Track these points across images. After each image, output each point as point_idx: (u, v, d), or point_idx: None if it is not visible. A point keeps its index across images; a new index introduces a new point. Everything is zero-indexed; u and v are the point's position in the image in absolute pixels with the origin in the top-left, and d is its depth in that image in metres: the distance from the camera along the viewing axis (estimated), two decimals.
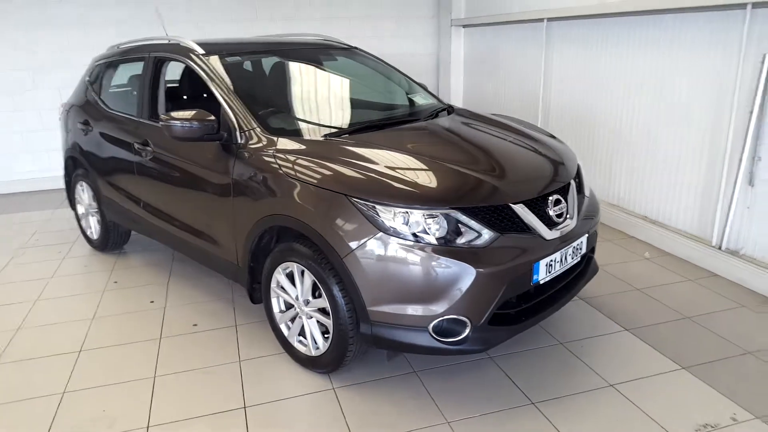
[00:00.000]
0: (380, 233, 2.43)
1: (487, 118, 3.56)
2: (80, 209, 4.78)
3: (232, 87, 3.18)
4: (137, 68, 4.27)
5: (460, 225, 2.45)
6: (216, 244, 3.25)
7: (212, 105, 3.12)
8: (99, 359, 3.10)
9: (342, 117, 3.50)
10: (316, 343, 2.83)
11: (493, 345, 2.56)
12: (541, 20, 5.79)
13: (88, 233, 4.72)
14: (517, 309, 2.65)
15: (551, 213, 2.69)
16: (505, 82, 6.74)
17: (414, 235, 2.42)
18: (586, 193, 3.12)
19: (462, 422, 2.49)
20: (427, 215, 2.43)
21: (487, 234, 2.46)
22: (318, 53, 3.90)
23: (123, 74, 4.34)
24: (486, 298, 2.45)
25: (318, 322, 2.81)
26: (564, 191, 2.83)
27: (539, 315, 2.71)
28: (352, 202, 2.49)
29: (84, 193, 4.60)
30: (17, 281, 4.17)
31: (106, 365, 3.03)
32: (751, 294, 3.58)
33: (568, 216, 2.78)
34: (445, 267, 2.39)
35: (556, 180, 2.83)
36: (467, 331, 2.46)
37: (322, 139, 2.96)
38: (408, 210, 2.44)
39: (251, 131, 3.01)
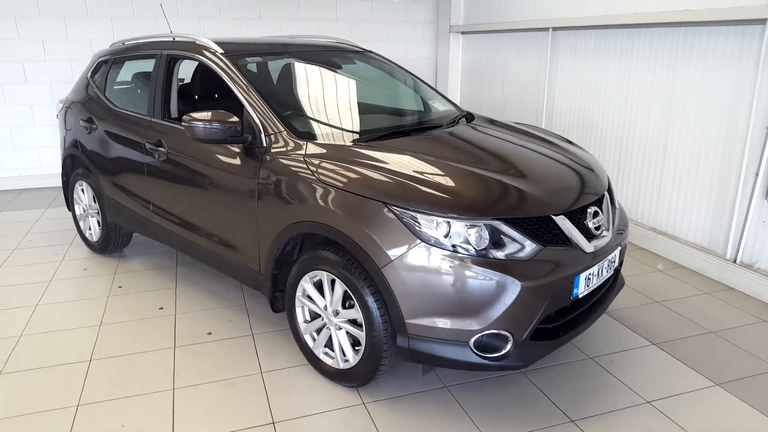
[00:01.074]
0: (421, 243, 2.35)
1: (513, 127, 3.50)
2: (78, 210, 4.60)
3: (256, 89, 3.07)
4: (144, 65, 4.14)
5: (502, 236, 2.38)
6: (236, 250, 3.13)
7: (227, 105, 3.01)
8: (112, 369, 2.95)
9: (367, 122, 3.41)
10: (345, 355, 2.74)
11: (534, 361, 2.49)
12: (546, 29, 5.79)
13: (87, 235, 4.54)
14: (555, 324, 2.59)
15: (590, 225, 2.64)
16: (505, 90, 6.72)
17: (456, 245, 2.34)
18: (616, 205, 3.08)
19: None
20: (470, 225, 2.36)
21: (530, 246, 2.40)
22: (336, 56, 3.80)
23: (130, 71, 4.19)
24: (529, 312, 2.38)
25: (348, 333, 2.71)
26: (599, 203, 2.79)
27: (576, 330, 2.65)
28: (392, 210, 2.40)
29: (84, 194, 4.43)
30: (13, 284, 3.98)
31: (120, 376, 2.89)
32: None
33: (604, 228, 2.73)
34: (489, 280, 2.31)
35: (594, 192, 2.78)
36: (509, 346, 2.39)
37: (352, 144, 2.87)
38: (450, 220, 2.36)
39: (278, 135, 2.90)
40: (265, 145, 2.91)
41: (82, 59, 6.39)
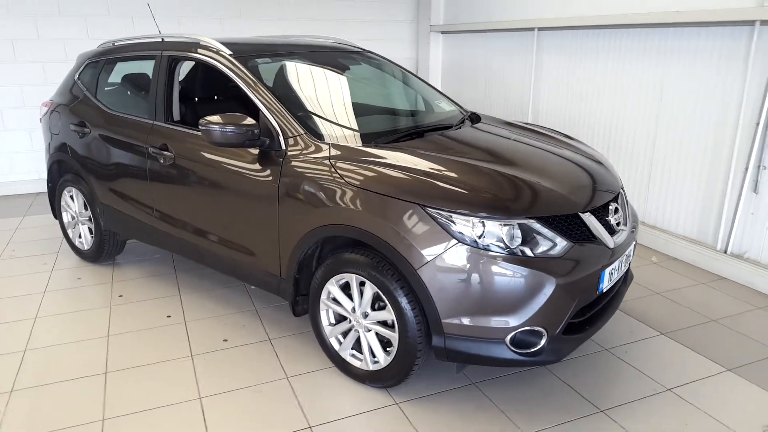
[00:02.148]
0: (457, 243, 2.37)
1: (523, 126, 3.56)
2: (66, 217, 4.44)
3: (271, 91, 3.03)
4: (137, 67, 4.04)
5: (535, 235, 2.43)
6: (254, 255, 3.08)
7: (236, 107, 2.95)
8: (131, 381, 2.87)
9: (381, 123, 3.41)
10: (374, 357, 2.74)
11: (565, 355, 2.55)
12: (532, 29, 5.90)
13: (77, 243, 4.39)
14: (582, 318, 2.65)
15: (612, 221, 2.72)
16: (488, 89, 6.81)
17: (491, 245, 2.37)
18: (628, 202, 3.18)
19: None
20: (504, 225, 2.39)
21: (561, 243, 2.45)
22: (341, 57, 3.79)
23: (124, 73, 4.07)
24: (562, 307, 2.44)
25: (377, 334, 2.71)
26: (617, 200, 2.87)
27: (600, 323, 2.73)
28: (427, 211, 2.42)
29: (73, 201, 4.28)
30: (5, 297, 3.82)
31: (141, 387, 2.81)
32: (762, 296, 3.76)
33: (622, 224, 2.82)
34: (525, 278, 2.36)
35: (612, 189, 2.87)
36: (543, 341, 2.44)
37: (375, 146, 2.87)
38: (484, 220, 2.39)
39: (298, 137, 2.88)
40: (284, 148, 2.88)
41: (55, 60, 6.16)
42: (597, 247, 2.58)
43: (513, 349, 2.43)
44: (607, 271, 2.62)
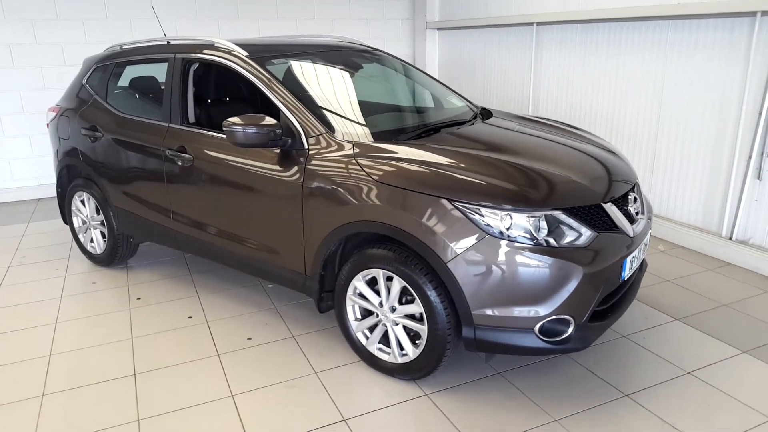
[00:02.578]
0: (486, 236, 2.43)
1: (536, 120, 3.63)
2: (77, 222, 4.44)
3: (291, 91, 3.06)
4: (147, 70, 4.06)
5: (561, 226, 2.49)
6: (277, 254, 3.12)
7: (254, 108, 2.95)
8: (160, 381, 2.90)
9: (398, 120, 3.45)
10: (402, 350, 2.79)
11: (591, 343, 2.62)
12: (530, 24, 5.97)
13: (89, 248, 4.39)
14: (605, 306, 2.72)
15: (632, 210, 2.79)
16: (486, 85, 6.88)
17: (520, 236, 2.43)
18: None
19: (570, 419, 2.53)
20: (531, 216, 2.45)
21: (586, 233, 2.52)
22: (353, 56, 3.82)
23: (134, 76, 4.07)
24: (589, 296, 2.50)
25: (404, 328, 2.76)
26: (633, 190, 2.94)
27: (621, 310, 2.80)
28: (456, 205, 2.47)
29: (85, 205, 4.28)
30: (22, 303, 3.82)
31: (172, 387, 2.84)
32: None
33: (640, 213, 2.89)
34: (553, 268, 2.42)
35: (630, 179, 2.94)
36: (570, 330, 2.51)
37: (397, 143, 2.91)
38: (512, 212, 2.45)
39: (320, 137, 2.92)
40: (306, 147, 2.92)
41: (52, 65, 6.14)
42: (618, 236, 2.65)
43: (542, 337, 2.49)
44: (629, 259, 2.69)
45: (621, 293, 2.84)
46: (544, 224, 2.47)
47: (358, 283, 2.85)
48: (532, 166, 2.73)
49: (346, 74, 3.59)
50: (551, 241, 2.45)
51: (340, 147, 2.86)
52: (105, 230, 4.19)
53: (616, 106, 5.07)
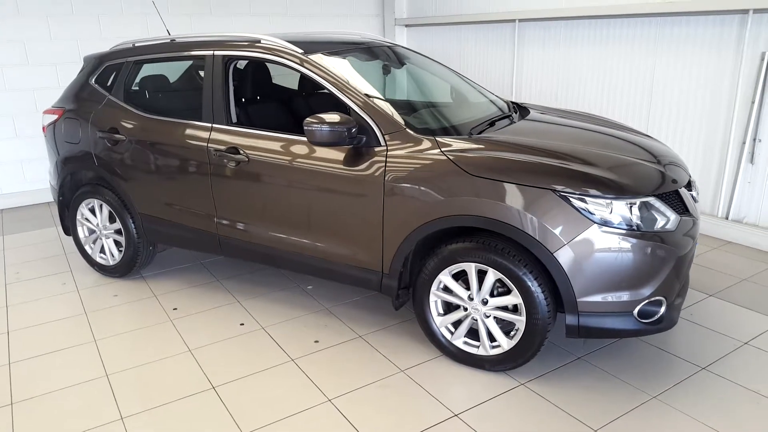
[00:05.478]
0: (592, 225, 2.52)
1: (582, 114, 3.76)
2: (83, 232, 4.12)
3: (362, 88, 3.02)
4: (161, 69, 3.85)
5: (654, 212, 2.63)
6: (351, 253, 3.06)
7: (304, 107, 2.84)
8: (246, 392, 2.77)
9: (462, 114, 3.43)
10: (493, 342, 2.84)
11: (676, 322, 2.77)
12: (512, 21, 6.16)
13: (99, 258, 4.09)
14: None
15: (694, 195, 2.99)
16: None
17: (621, 223, 2.54)
18: None
19: (666, 394, 2.68)
20: (629, 204, 2.57)
21: (673, 218, 2.67)
22: (392, 52, 3.80)
23: (155, 73, 3.84)
24: (677, 276, 2.67)
25: (495, 319, 2.81)
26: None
27: (687, 287, 2.99)
28: (560, 195, 2.54)
29: (96, 213, 3.99)
30: (46, 322, 3.50)
31: (263, 397, 2.73)
32: None
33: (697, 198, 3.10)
34: (653, 251, 2.56)
35: (686, 167, 3.14)
36: (662, 310, 2.65)
37: (481, 136, 2.94)
38: (613, 200, 2.55)
39: (398, 133, 2.89)
40: (384, 144, 2.89)
41: (66, 62, 5.73)
42: (690, 219, 2.83)
43: (639, 319, 2.62)
44: (695, 239, 2.88)
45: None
46: (642, 210, 2.59)
47: (445, 278, 2.86)
48: (613, 154, 2.85)
49: (393, 70, 3.57)
50: (647, 226, 2.58)
51: (420, 142, 2.86)
52: (121, 239, 3.92)
53: (605, 104, 5.34)
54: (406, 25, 7.77)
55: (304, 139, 3.04)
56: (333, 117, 2.80)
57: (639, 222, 2.56)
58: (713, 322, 3.31)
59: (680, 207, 2.78)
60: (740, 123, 4.43)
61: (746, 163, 4.45)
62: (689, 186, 2.98)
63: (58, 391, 2.83)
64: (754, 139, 4.39)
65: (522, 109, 3.68)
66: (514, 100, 3.98)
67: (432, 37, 7.41)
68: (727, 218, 4.62)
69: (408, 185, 2.80)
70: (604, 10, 5.07)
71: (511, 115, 3.45)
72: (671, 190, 2.75)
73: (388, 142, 2.88)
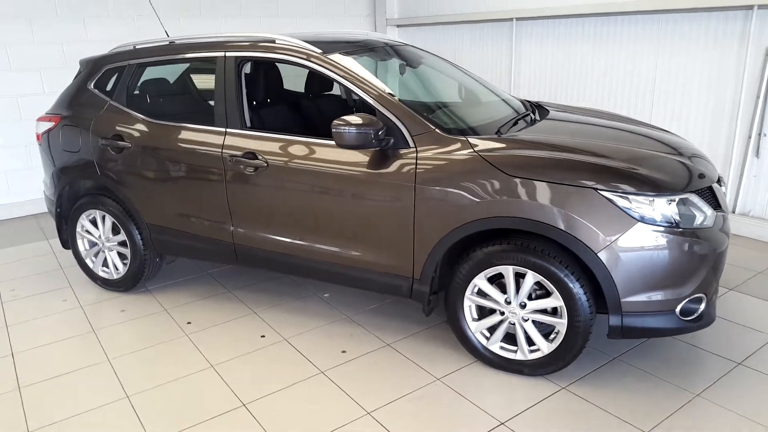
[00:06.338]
0: (636, 223, 2.47)
1: (603, 112, 3.72)
2: (84, 245, 3.94)
3: (385, 88, 2.92)
4: (166, 71, 3.70)
5: (693, 208, 2.59)
6: (381, 260, 2.96)
7: (325, 109, 2.75)
8: (279, 408, 2.65)
9: (483, 114, 3.34)
10: (531, 345, 2.77)
11: (714, 318, 2.74)
12: (509, 20, 6.13)
13: (101, 272, 3.91)
14: None
15: (724, 190, 2.97)
16: None
17: (662, 221, 2.50)
18: None
19: (708, 391, 2.65)
20: (670, 201, 2.53)
21: (711, 214, 2.64)
22: (407, 52, 3.71)
23: (159, 77, 3.68)
24: (715, 272, 2.64)
25: (534, 323, 2.74)
26: None
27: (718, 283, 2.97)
28: (603, 194, 2.48)
29: (97, 225, 3.81)
30: (55, 342, 3.32)
31: (297, 412, 2.61)
32: None
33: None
34: (694, 248, 2.52)
35: (714, 165, 3.12)
36: (702, 307, 2.62)
37: (511, 135, 2.87)
38: (654, 197, 2.51)
39: (427, 134, 2.81)
40: (413, 145, 2.80)
41: (52, 67, 5.51)
42: (722, 214, 2.81)
43: (681, 317, 2.58)
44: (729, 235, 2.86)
45: None
46: (682, 207, 2.55)
47: (480, 282, 2.78)
48: (655, 152, 2.81)
49: (410, 70, 3.48)
50: (687, 223, 2.54)
51: (451, 142, 2.77)
52: (125, 251, 3.75)
53: (606, 100, 5.34)
54: (398, 26, 7.69)
55: (327, 141, 2.94)
56: (360, 119, 2.70)
57: (679, 219, 2.52)
58: (738, 316, 3.31)
59: (714, 203, 2.75)
60: (745, 118, 4.46)
61: (752, 157, 4.48)
62: (719, 182, 2.96)
63: (76, 417, 2.66)
64: (760, 134, 4.42)
65: (540, 108, 3.63)
66: (529, 99, 3.92)
67: (424, 38, 7.35)
68: (733, 212, 4.65)
69: (440, 188, 2.72)
70: (606, 8, 5.07)
71: (531, 114, 3.40)
72: (706, 186, 2.72)
73: (417, 144, 2.80)
